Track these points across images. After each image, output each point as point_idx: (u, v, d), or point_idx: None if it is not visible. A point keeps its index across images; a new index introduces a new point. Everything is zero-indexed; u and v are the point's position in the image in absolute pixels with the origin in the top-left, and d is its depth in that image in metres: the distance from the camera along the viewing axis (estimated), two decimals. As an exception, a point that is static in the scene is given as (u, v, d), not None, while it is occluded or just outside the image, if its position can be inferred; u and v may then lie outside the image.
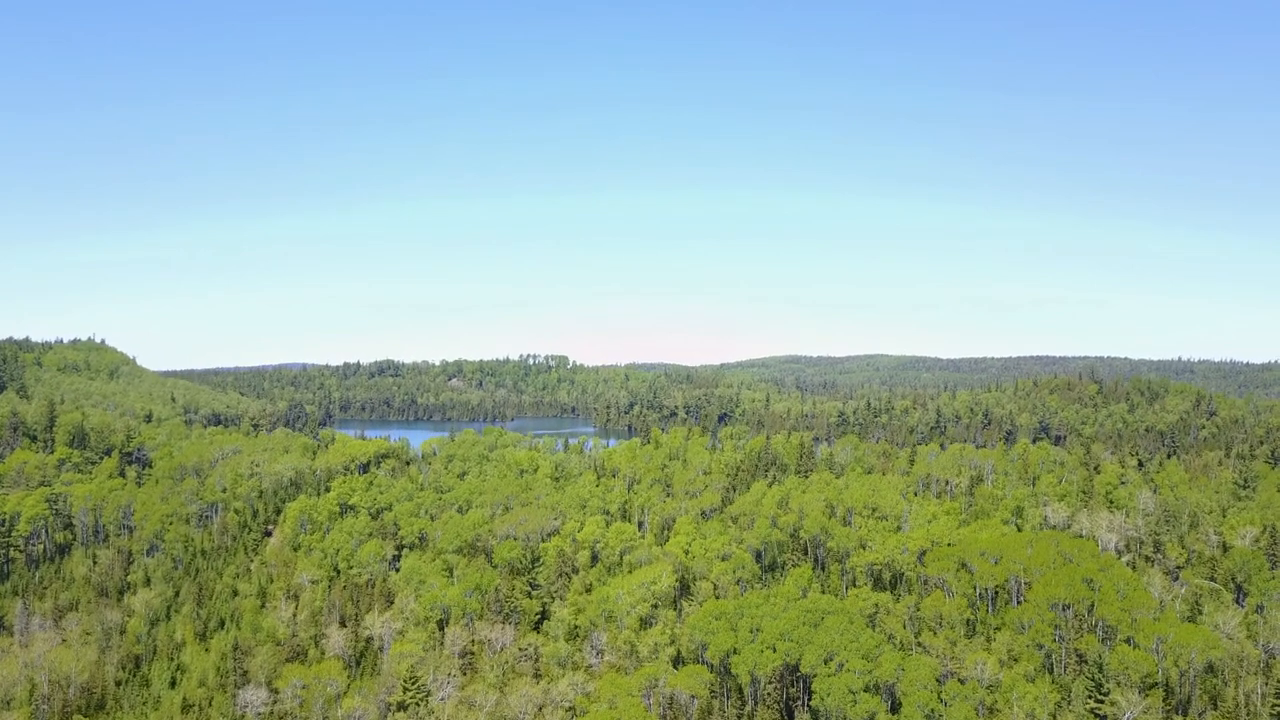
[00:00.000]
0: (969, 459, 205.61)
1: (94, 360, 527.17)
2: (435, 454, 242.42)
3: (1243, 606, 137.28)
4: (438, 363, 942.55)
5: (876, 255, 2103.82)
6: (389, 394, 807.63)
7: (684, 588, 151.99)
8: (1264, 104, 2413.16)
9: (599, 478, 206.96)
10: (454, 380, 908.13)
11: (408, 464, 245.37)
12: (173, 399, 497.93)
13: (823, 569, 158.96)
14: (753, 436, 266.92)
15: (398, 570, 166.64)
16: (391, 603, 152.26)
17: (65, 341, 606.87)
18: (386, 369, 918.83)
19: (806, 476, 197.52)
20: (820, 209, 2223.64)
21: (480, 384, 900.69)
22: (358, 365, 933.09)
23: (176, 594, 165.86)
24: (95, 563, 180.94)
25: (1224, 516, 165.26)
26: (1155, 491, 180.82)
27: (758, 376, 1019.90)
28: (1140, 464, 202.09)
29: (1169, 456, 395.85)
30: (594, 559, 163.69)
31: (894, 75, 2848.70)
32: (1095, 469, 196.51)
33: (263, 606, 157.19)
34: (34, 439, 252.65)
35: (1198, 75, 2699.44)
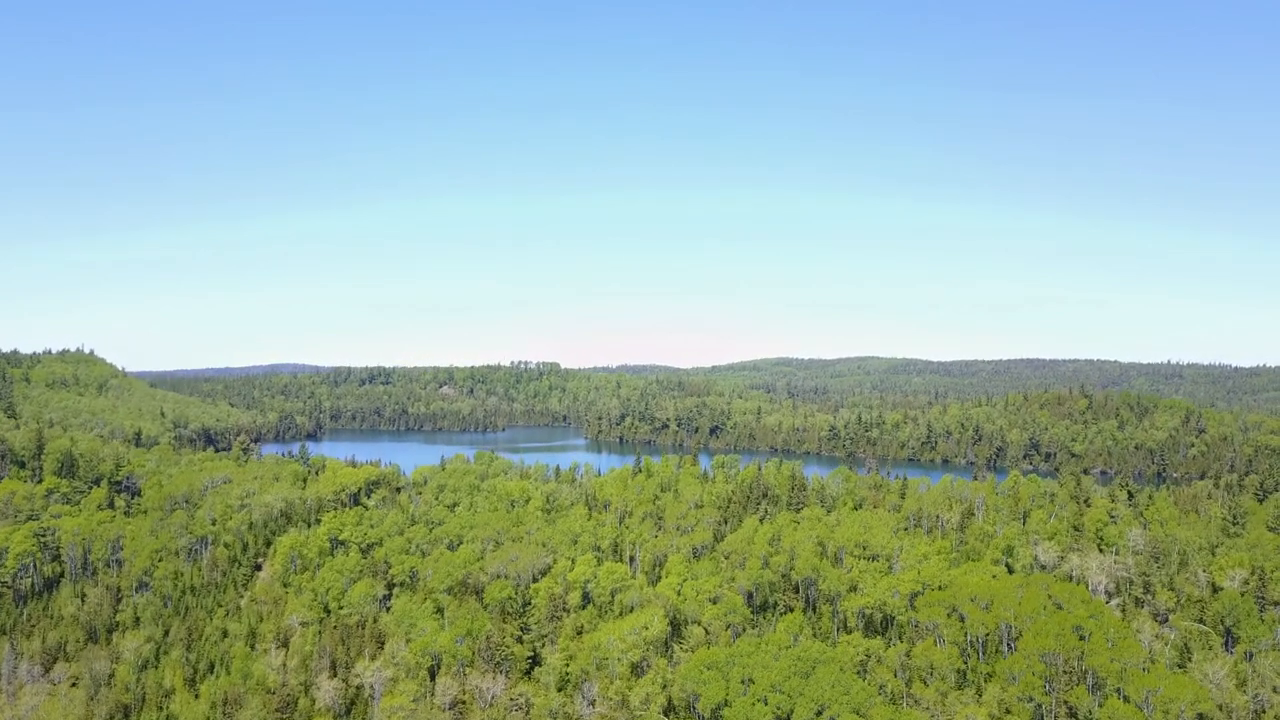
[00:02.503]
0: (960, 492, 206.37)
1: (83, 374, 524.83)
2: (426, 483, 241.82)
3: (1231, 653, 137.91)
4: (429, 368, 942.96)
5: (869, 256, 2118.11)
6: (380, 403, 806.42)
7: (675, 628, 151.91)
8: (1264, 104, 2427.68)
9: (590, 511, 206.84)
10: (445, 388, 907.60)
11: (398, 490, 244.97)
12: (162, 414, 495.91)
13: (814, 610, 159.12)
14: (746, 464, 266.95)
15: (389, 609, 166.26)
16: (382, 646, 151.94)
17: (54, 353, 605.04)
18: (377, 376, 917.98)
19: (798, 510, 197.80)
20: (817, 209, 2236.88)
21: (471, 391, 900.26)
22: (348, 372, 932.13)
23: (166, 633, 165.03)
24: (84, 601, 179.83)
25: (1213, 555, 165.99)
26: (1145, 527, 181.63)
27: (749, 381, 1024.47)
28: (1130, 495, 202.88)
29: (1158, 476, 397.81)
30: (585, 599, 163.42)
31: (894, 75, 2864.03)
32: (1085, 502, 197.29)
33: (252, 649, 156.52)
34: (23, 466, 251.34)
35: (1198, 75, 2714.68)
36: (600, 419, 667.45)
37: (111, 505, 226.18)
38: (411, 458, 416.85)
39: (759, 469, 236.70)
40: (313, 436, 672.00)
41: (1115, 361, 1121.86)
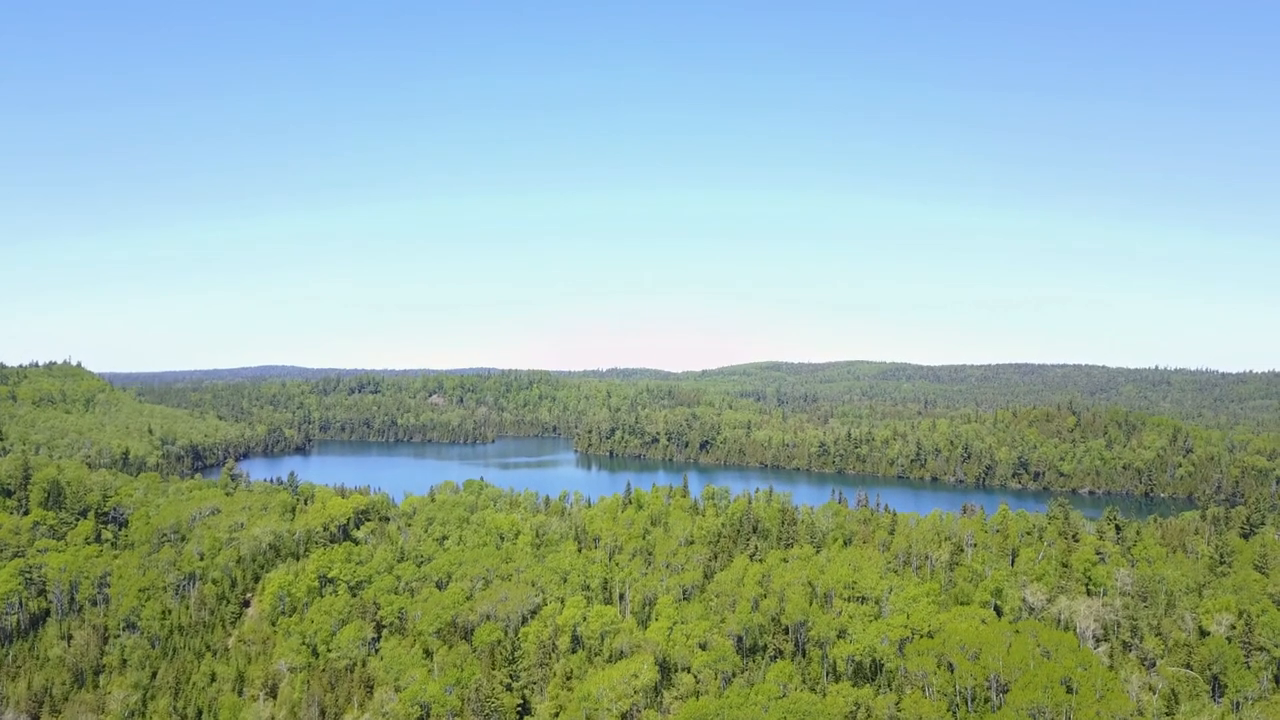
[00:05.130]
0: (949, 527, 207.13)
1: (70, 389, 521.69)
2: (415, 514, 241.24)
3: (1219, 703, 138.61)
4: (418, 374, 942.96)
5: (860, 257, 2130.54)
6: (369, 414, 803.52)
7: (665, 673, 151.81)
8: (1264, 104, 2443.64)
9: (580, 547, 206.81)
10: (434, 397, 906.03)
11: (386, 520, 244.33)
12: (150, 430, 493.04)
13: (804, 655, 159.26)
14: (736, 493, 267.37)
15: (378, 652, 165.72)
16: (371, 691, 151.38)
17: (40, 365, 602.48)
18: (366, 384, 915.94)
19: (788, 547, 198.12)
20: (809, 210, 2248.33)
21: (461, 400, 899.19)
22: (337, 379, 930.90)
23: (153, 676, 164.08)
24: (70, 643, 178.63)
25: (1200, 597, 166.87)
26: (1133, 566, 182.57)
27: (738, 388, 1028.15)
28: (1118, 529, 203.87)
29: (1146, 496, 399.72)
30: (575, 643, 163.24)
31: (894, 75, 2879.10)
32: (1074, 538, 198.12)
33: (240, 695, 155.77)
34: (9, 495, 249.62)
35: (1199, 75, 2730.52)
36: (590, 432, 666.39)
37: (99, 538, 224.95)
38: (401, 477, 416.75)
39: (749, 501, 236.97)
40: (301, 450, 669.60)
41: (1104, 367, 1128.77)
